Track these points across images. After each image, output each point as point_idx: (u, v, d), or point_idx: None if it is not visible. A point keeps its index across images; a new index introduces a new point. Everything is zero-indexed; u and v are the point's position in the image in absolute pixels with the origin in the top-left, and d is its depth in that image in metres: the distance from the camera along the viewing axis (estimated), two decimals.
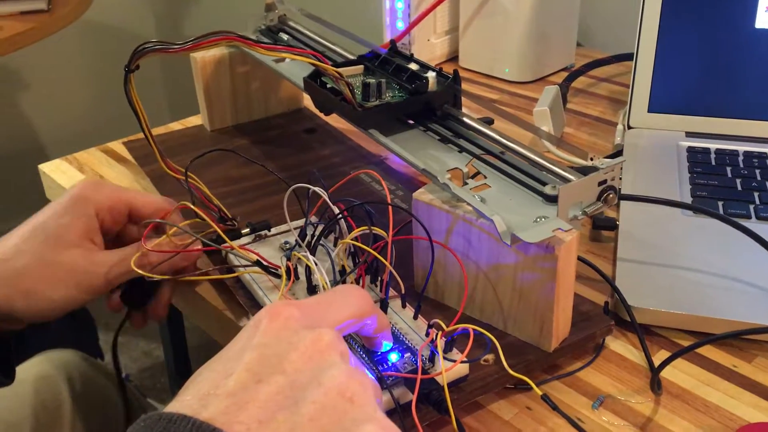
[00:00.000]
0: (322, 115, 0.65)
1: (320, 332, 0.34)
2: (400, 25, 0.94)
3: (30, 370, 0.75)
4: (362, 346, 0.46)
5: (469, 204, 0.48)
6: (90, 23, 1.70)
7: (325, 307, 0.37)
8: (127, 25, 1.95)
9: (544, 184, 0.50)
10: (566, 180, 0.48)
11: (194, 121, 0.85)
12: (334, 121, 0.80)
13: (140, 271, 0.55)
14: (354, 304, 0.38)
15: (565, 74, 0.93)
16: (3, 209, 1.85)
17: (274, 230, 0.59)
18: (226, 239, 0.54)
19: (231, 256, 0.56)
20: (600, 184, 0.47)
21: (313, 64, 0.56)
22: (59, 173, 0.77)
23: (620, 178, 0.48)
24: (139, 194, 0.58)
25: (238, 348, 0.34)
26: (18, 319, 0.52)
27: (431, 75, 0.58)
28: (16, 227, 0.54)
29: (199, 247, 0.54)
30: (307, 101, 0.84)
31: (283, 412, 0.31)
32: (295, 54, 0.56)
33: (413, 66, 0.60)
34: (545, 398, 0.44)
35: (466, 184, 0.51)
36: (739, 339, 0.51)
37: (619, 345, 0.52)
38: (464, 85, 0.60)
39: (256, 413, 0.30)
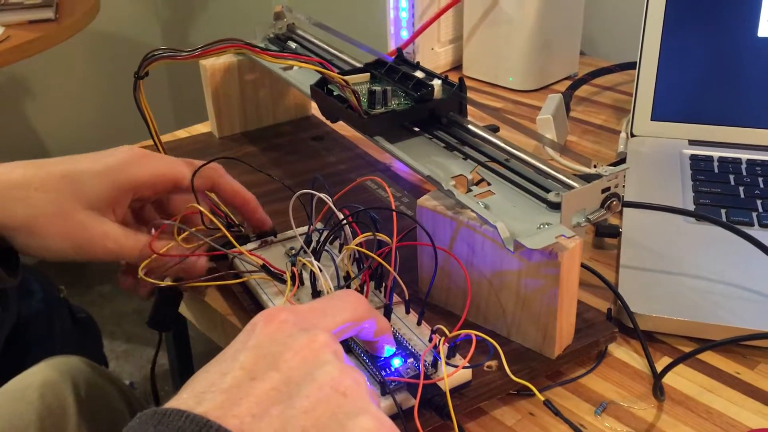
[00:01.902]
0: (329, 122, 0.65)
1: (315, 333, 0.35)
2: (405, 35, 0.95)
3: (35, 375, 0.76)
4: (365, 351, 0.46)
5: (472, 210, 0.49)
6: (97, 32, 1.72)
7: (320, 311, 0.38)
8: (134, 35, 1.96)
9: (548, 191, 0.50)
10: (570, 187, 0.49)
11: (200, 128, 0.86)
12: (341, 128, 0.81)
13: (148, 279, 0.55)
14: (350, 309, 0.39)
15: (568, 83, 0.93)
16: None
17: (279, 236, 0.59)
18: (235, 243, 0.55)
19: (237, 262, 0.56)
20: (603, 191, 0.47)
21: (319, 72, 0.57)
22: None
23: (623, 186, 0.48)
24: (185, 168, 0.56)
25: (234, 350, 0.34)
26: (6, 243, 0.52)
27: (437, 83, 0.59)
28: (56, 158, 0.53)
29: (206, 251, 0.55)
30: (315, 109, 0.84)
31: (276, 406, 0.31)
32: (302, 61, 0.56)
33: (419, 74, 0.61)
34: (547, 404, 0.44)
35: (470, 190, 0.52)
36: (742, 346, 0.51)
37: (622, 352, 0.52)
38: (468, 94, 0.60)
39: (249, 408, 0.31)
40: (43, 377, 0.75)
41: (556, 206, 0.49)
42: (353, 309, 0.39)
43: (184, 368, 1.28)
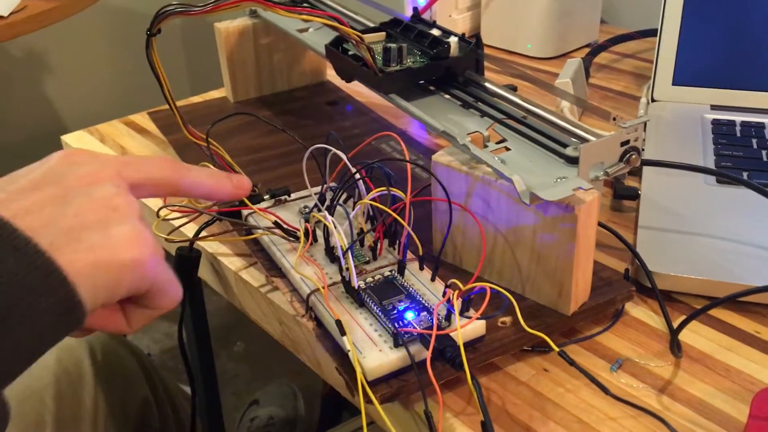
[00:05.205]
0: (344, 87, 0.65)
1: (104, 166, 0.38)
2: (421, 1, 0.94)
3: None
4: (378, 303, 0.46)
5: (488, 165, 0.48)
6: (113, 1, 1.72)
7: (124, 161, 0.39)
8: (149, 4, 1.95)
9: (565, 146, 0.49)
10: (588, 141, 0.48)
11: (215, 95, 0.85)
12: (357, 94, 0.80)
13: (161, 234, 0.55)
14: (155, 167, 0.41)
15: (587, 50, 0.92)
16: None
17: (294, 195, 0.59)
18: (247, 202, 0.55)
19: (251, 220, 0.56)
20: (622, 144, 0.46)
21: (333, 27, 0.56)
22: (81, 144, 0.78)
23: (643, 139, 0.47)
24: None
25: (28, 169, 0.37)
26: None
27: (453, 40, 0.58)
28: None
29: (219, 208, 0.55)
30: (330, 75, 0.84)
31: (50, 208, 0.34)
32: (316, 16, 0.55)
33: (435, 32, 0.60)
34: (562, 354, 0.43)
35: (486, 147, 0.51)
36: (761, 305, 0.50)
37: (639, 311, 0.51)
38: (486, 61, 0.59)
39: (25, 205, 0.34)
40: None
41: (573, 161, 0.48)
42: (159, 168, 0.41)
43: (202, 342, 1.29)
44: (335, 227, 0.48)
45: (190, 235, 0.57)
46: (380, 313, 0.45)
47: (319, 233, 0.53)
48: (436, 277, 0.49)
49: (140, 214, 0.37)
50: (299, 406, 1.32)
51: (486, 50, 0.94)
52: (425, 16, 0.92)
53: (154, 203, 0.66)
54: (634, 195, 0.61)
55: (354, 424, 1.19)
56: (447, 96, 0.58)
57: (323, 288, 0.47)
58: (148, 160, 0.41)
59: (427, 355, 0.42)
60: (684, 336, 0.48)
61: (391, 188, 0.49)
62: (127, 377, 0.83)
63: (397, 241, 0.51)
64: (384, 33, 0.63)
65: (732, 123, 0.69)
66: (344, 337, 0.44)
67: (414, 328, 0.44)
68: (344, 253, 0.47)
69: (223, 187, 0.46)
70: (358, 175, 0.51)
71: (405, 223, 0.47)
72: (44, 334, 0.33)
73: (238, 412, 1.33)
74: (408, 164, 0.49)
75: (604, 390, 0.43)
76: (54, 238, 0.33)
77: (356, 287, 0.47)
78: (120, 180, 0.38)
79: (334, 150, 0.52)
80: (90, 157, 0.38)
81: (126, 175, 0.39)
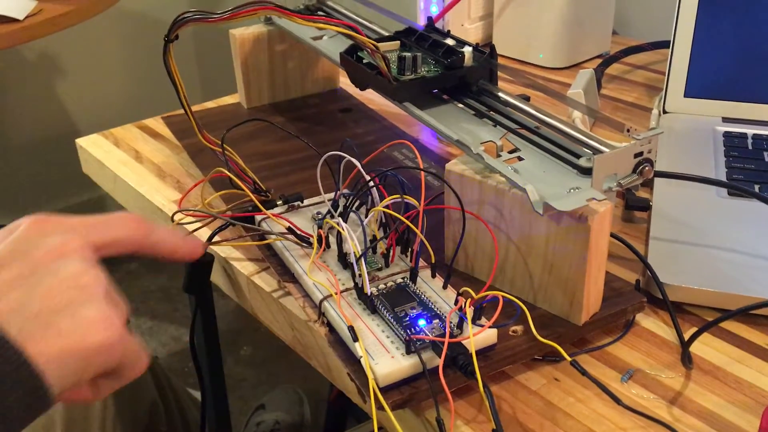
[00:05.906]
0: (358, 94, 0.65)
1: (71, 237, 0.37)
2: (435, 10, 0.94)
3: None
4: (391, 311, 0.46)
5: (501, 174, 0.48)
6: (129, 6, 1.73)
7: (90, 225, 0.39)
8: (166, 9, 1.96)
9: (578, 157, 0.50)
10: (601, 152, 0.48)
11: (227, 100, 0.86)
12: (370, 102, 0.81)
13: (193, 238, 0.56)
14: (121, 227, 0.41)
15: (599, 61, 0.92)
16: (44, 188, 1.88)
17: (307, 201, 0.59)
18: (261, 207, 0.55)
19: (264, 225, 0.56)
20: (636, 156, 0.47)
21: (349, 35, 0.57)
22: (96, 147, 0.79)
23: (656, 152, 0.47)
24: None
25: None
26: None
27: (467, 50, 0.58)
28: None
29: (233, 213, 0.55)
30: (343, 82, 0.84)
31: (17, 291, 0.34)
32: (332, 25, 0.56)
33: (450, 41, 0.60)
34: (574, 364, 0.44)
35: (499, 156, 0.51)
36: None
37: (650, 322, 0.52)
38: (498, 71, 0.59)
39: None
40: None
41: (587, 171, 0.48)
42: (125, 227, 0.41)
43: (211, 346, 1.29)
44: (349, 234, 0.49)
45: (204, 239, 0.57)
46: (392, 320, 0.45)
47: (332, 239, 0.54)
48: (448, 285, 0.49)
49: (107, 288, 0.37)
50: (305, 411, 1.33)
51: (498, 60, 0.95)
52: (437, 25, 0.93)
53: (169, 208, 0.66)
54: (645, 206, 0.61)
55: (360, 430, 1.19)
56: (460, 105, 0.59)
57: (336, 294, 0.48)
58: (115, 220, 0.41)
59: (440, 362, 0.42)
60: (695, 348, 0.48)
61: (404, 196, 0.49)
62: (136, 380, 0.83)
63: (410, 249, 0.51)
64: (398, 42, 0.63)
65: (744, 136, 0.70)
66: (357, 343, 0.44)
67: (426, 335, 0.44)
68: (357, 260, 0.47)
69: (180, 248, 0.47)
70: (372, 183, 0.51)
71: (418, 231, 0.48)
72: (12, 423, 0.33)
73: (244, 417, 1.34)
74: (422, 172, 0.49)
75: (616, 400, 0.43)
76: (23, 325, 0.33)
77: (369, 294, 0.47)
78: (87, 250, 0.38)
79: (348, 157, 0.52)
80: (56, 225, 0.38)
81: (93, 239, 0.38)
